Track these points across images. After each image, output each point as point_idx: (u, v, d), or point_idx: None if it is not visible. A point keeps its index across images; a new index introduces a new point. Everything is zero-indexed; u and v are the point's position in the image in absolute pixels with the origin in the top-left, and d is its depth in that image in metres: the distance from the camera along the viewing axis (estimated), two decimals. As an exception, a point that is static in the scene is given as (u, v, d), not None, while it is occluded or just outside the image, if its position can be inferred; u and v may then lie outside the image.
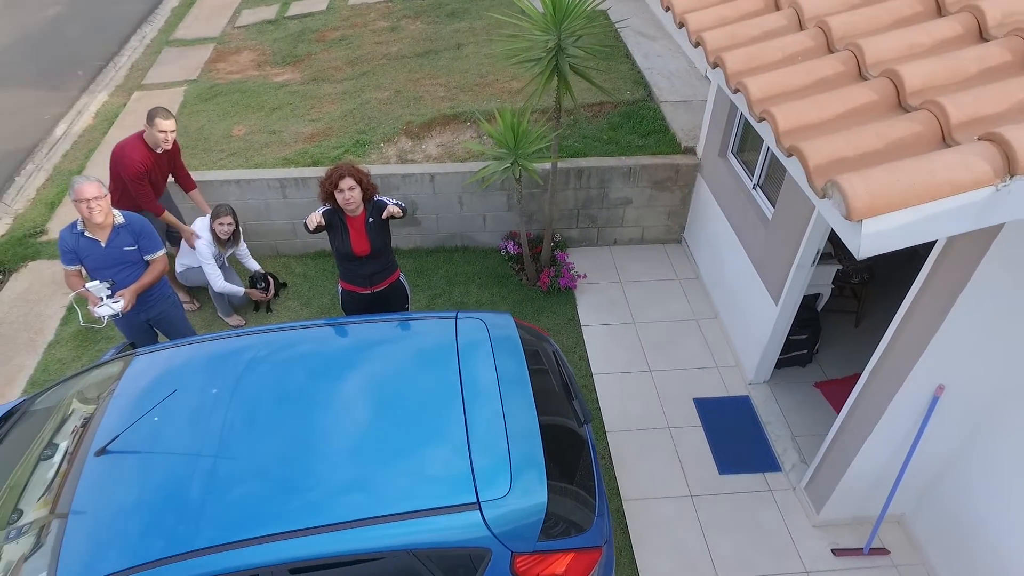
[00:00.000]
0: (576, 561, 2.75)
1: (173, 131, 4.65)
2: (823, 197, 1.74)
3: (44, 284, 5.73)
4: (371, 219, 3.84)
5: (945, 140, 1.82)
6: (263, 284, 5.23)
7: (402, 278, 4.22)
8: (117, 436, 2.79)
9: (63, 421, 3.14)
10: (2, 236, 6.29)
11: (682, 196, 5.74)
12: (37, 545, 2.63)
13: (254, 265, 5.35)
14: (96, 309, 3.77)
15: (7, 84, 8.68)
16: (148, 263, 4.03)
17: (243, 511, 2.58)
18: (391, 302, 4.17)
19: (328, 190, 3.73)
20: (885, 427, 3.30)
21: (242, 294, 5.11)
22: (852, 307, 5.14)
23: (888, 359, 3.16)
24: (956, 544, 3.48)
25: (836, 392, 4.54)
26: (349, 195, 3.68)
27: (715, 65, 2.52)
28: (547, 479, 2.72)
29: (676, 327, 5.23)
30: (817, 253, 3.91)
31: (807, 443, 4.30)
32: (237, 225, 5.10)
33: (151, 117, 4.58)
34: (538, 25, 4.30)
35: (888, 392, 3.18)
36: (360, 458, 2.75)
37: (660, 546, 3.82)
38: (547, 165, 5.16)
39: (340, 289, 4.13)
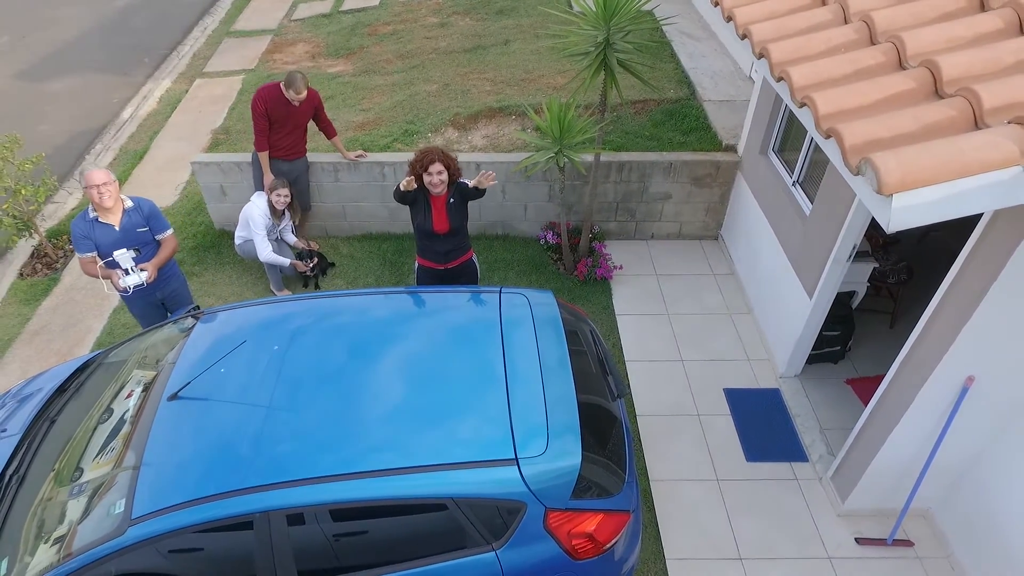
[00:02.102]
0: (605, 522, 2.90)
1: (302, 95, 5.06)
2: (857, 174, 1.86)
3: (111, 254, 6.11)
4: (452, 200, 4.07)
5: (977, 124, 1.93)
6: (309, 259, 5.50)
7: (474, 258, 4.44)
8: (187, 384, 3.04)
9: (140, 369, 3.42)
10: (73, 210, 6.71)
11: (721, 193, 5.83)
12: (117, 476, 2.90)
13: (292, 239, 5.62)
14: (123, 280, 4.02)
15: (81, 69, 9.20)
16: (160, 242, 4.29)
17: (302, 455, 2.80)
18: (462, 279, 4.39)
19: (417, 172, 3.96)
20: (912, 418, 3.37)
21: (288, 264, 5.39)
22: (888, 307, 5.17)
23: (918, 349, 3.23)
24: (984, 540, 3.52)
25: (867, 389, 4.58)
26: (438, 179, 3.93)
27: (761, 55, 2.65)
28: (581, 444, 2.88)
29: (709, 320, 5.33)
30: (853, 248, 3.99)
31: (835, 436, 4.36)
32: (293, 199, 5.38)
33: (287, 84, 5.02)
34: (588, 20, 4.46)
35: (916, 382, 3.25)
36: (408, 415, 2.95)
37: (685, 525, 3.94)
38: (589, 157, 5.32)
39: (416, 265, 4.38)
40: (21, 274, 6.01)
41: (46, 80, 8.94)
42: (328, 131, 5.54)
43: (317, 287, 5.72)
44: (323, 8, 10.05)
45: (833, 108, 2.10)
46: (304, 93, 5.06)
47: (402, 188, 3.85)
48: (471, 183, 4.00)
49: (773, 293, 4.97)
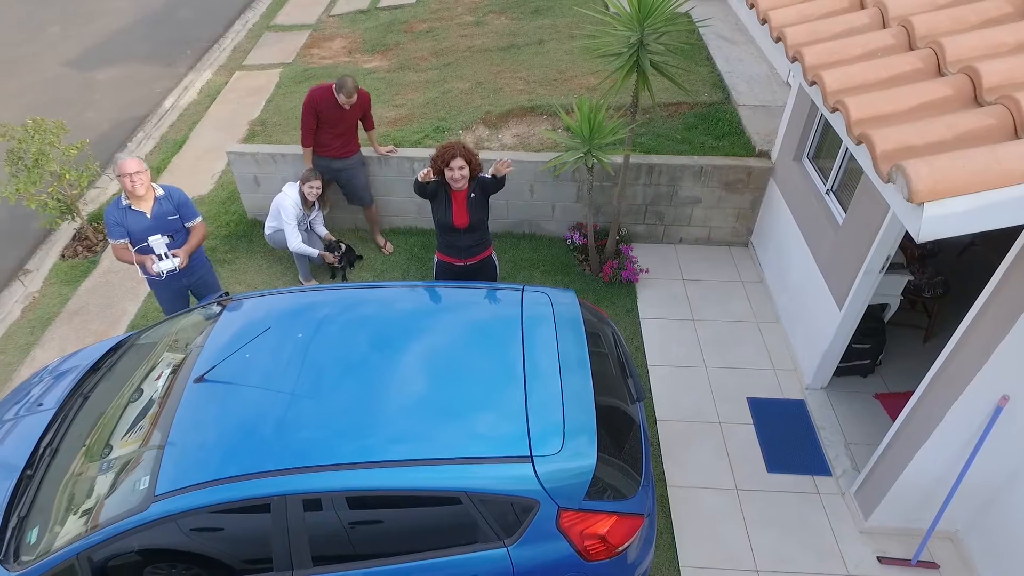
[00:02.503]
0: (618, 525, 2.88)
1: (350, 95, 5.09)
2: (887, 181, 1.82)
3: (147, 240, 6.28)
4: (473, 194, 4.09)
5: (1017, 134, 1.86)
6: (337, 251, 5.58)
7: (494, 255, 4.46)
8: (213, 367, 3.11)
9: (170, 351, 3.52)
10: (114, 195, 6.91)
11: (752, 199, 5.74)
12: (143, 453, 2.98)
13: (323, 231, 5.70)
14: (157, 265, 4.16)
15: (126, 59, 9.48)
16: (189, 230, 4.40)
17: (321, 442, 2.84)
18: (482, 276, 4.41)
19: (439, 167, 3.99)
20: (942, 436, 3.28)
21: (316, 255, 5.47)
22: (922, 322, 5.03)
23: (951, 364, 3.14)
24: (1014, 566, 3.40)
25: (897, 405, 4.45)
26: (459, 174, 3.96)
27: (794, 59, 2.61)
28: (597, 445, 2.87)
29: (735, 327, 5.25)
30: (887, 260, 3.89)
31: (861, 451, 4.26)
32: (324, 190, 5.46)
33: (338, 88, 5.05)
34: (622, 21, 4.44)
35: (947, 399, 3.16)
36: (426, 407, 2.98)
37: (701, 533, 3.90)
38: (619, 158, 5.28)
39: (436, 259, 4.41)
40: (63, 256, 6.22)
41: (94, 69, 9.24)
42: (367, 124, 5.60)
43: (345, 279, 5.80)
44: (361, 4, 10.18)
45: (866, 113, 2.06)
46: (354, 98, 5.11)
47: (420, 179, 3.88)
48: (489, 172, 4.00)
49: (802, 302, 4.88)
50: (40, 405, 3.71)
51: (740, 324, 5.29)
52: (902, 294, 4.61)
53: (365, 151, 5.81)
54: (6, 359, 5.32)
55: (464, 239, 4.18)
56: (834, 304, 4.29)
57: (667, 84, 5.64)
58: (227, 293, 4.38)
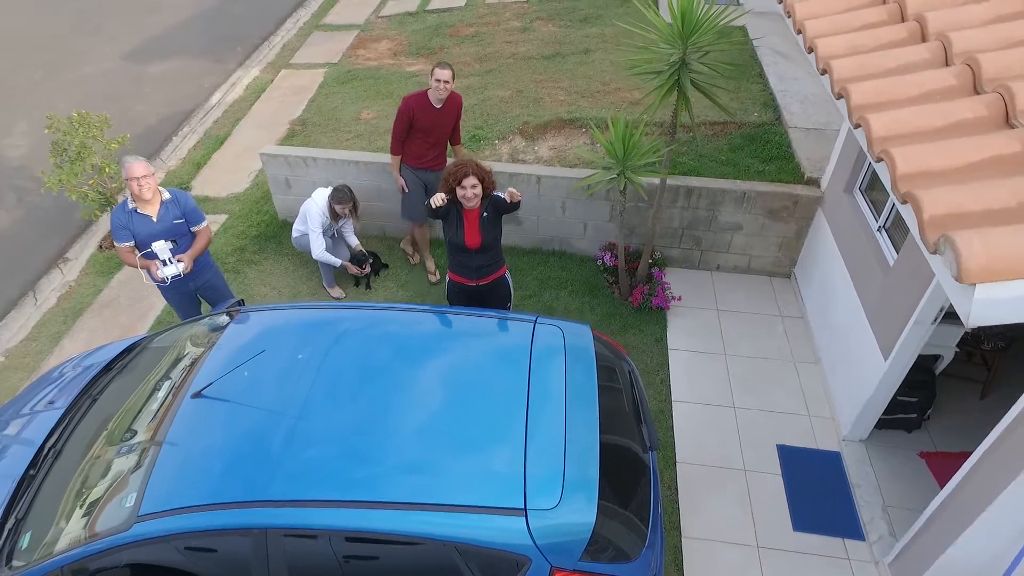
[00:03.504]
0: (617, 589, 2.67)
1: (447, 81, 4.74)
2: (934, 252, 1.56)
3: (181, 236, 6.35)
4: (486, 214, 3.93)
5: (1100, 207, 1.58)
6: (363, 263, 5.49)
7: (507, 275, 4.29)
8: (211, 384, 3.04)
9: (171, 362, 3.47)
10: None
11: (798, 229, 5.40)
12: (134, 468, 2.93)
13: (353, 240, 5.62)
14: (162, 270, 4.14)
15: (179, 54, 9.69)
16: (195, 234, 4.36)
17: (305, 474, 2.72)
18: (494, 297, 4.24)
19: (450, 185, 3.84)
20: (999, 511, 2.92)
21: (338, 265, 5.40)
22: (980, 376, 4.61)
23: (1012, 434, 2.80)
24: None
25: (944, 467, 4.09)
26: (471, 192, 3.80)
27: (840, 96, 2.34)
28: (599, 500, 2.66)
29: (770, 366, 4.93)
30: (940, 311, 3.54)
31: (900, 516, 3.91)
32: (355, 206, 5.37)
33: (432, 69, 4.79)
34: (663, 37, 4.19)
35: (1006, 473, 2.81)
36: (420, 444, 2.83)
37: (714, 592, 3.63)
38: (656, 180, 5.03)
39: (448, 279, 4.25)
40: (100, 247, 6.35)
41: (147, 62, 9.46)
42: (455, 137, 5.29)
43: (369, 287, 5.72)
44: (410, 6, 10.14)
45: (914, 168, 1.79)
46: (448, 72, 4.75)
47: (432, 207, 3.73)
48: (505, 195, 3.82)
49: (845, 345, 4.53)
50: (52, 403, 3.72)
51: (775, 362, 4.96)
52: (957, 345, 4.22)
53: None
54: (38, 347, 5.43)
55: (476, 259, 4.02)
56: (879, 353, 3.94)
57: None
58: (242, 301, 4.34)
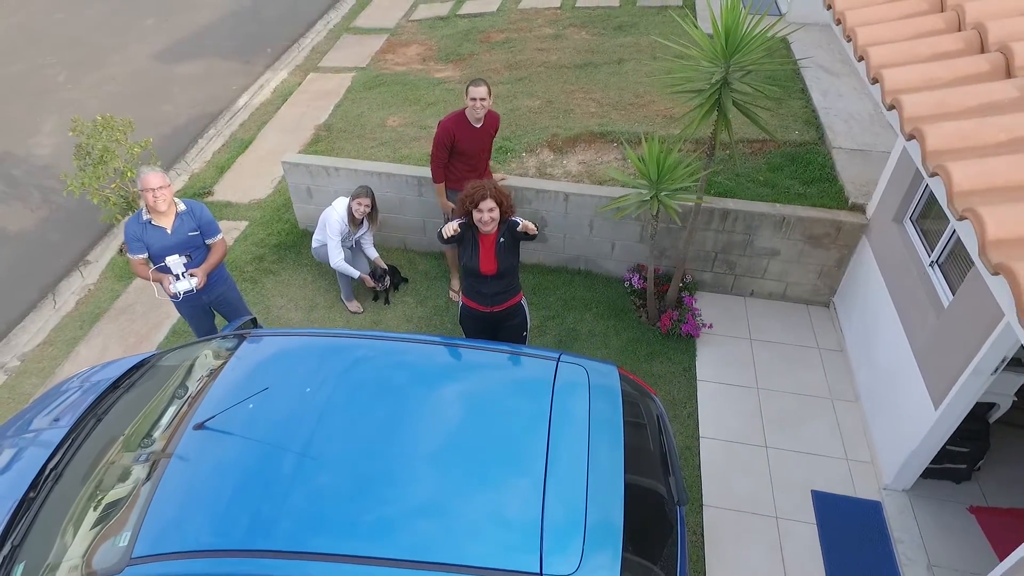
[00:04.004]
0: (638, 663, 2.44)
1: (483, 99, 4.52)
2: (995, 274, 1.33)
3: (201, 241, 6.26)
4: (503, 239, 3.73)
5: None
6: (382, 278, 5.33)
7: (523, 302, 4.07)
8: (213, 416, 2.88)
9: (176, 387, 3.33)
10: (178, 192, 6.97)
11: (839, 257, 5.10)
12: (131, 502, 2.78)
13: (373, 252, 5.47)
14: (174, 285, 4.02)
15: (209, 55, 9.67)
16: (210, 247, 4.24)
17: (309, 521, 2.55)
18: (508, 325, 4.04)
19: (467, 207, 3.66)
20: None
21: (356, 276, 5.24)
22: (1035, 424, 4.28)
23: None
24: None
25: (998, 525, 3.78)
26: (488, 216, 3.60)
27: (891, 107, 2.11)
28: (623, 561, 2.44)
29: (806, 402, 4.65)
30: (1003, 361, 3.25)
31: (946, 577, 3.62)
32: (374, 208, 5.22)
33: (467, 87, 4.61)
34: (705, 54, 3.95)
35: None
36: (432, 490, 2.64)
37: (742, 653, 3.38)
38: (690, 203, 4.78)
39: (460, 302, 4.07)
40: (120, 250, 6.30)
41: (177, 62, 9.46)
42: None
43: (387, 302, 5.56)
44: (442, 10, 10.00)
45: (974, 183, 1.56)
46: (483, 88, 4.51)
47: (445, 236, 3.53)
48: (520, 226, 3.59)
49: (889, 385, 4.23)
50: (57, 420, 3.61)
51: (812, 399, 4.68)
52: (1016, 394, 3.90)
53: (416, 170, 5.54)
54: (53, 351, 5.38)
55: (490, 286, 3.82)
56: (929, 401, 3.65)
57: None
58: (255, 319, 4.20)
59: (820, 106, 6.25)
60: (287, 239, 6.14)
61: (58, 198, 7.01)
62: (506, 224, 3.71)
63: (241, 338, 3.47)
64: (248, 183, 6.98)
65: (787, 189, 5.38)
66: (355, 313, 5.48)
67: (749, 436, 4.44)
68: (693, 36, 4.03)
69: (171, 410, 3.14)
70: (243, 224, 6.40)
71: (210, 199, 6.79)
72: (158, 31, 10.33)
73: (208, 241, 4.25)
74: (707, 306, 5.37)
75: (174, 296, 4.14)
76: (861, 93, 6.50)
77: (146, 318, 5.56)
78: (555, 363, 3.08)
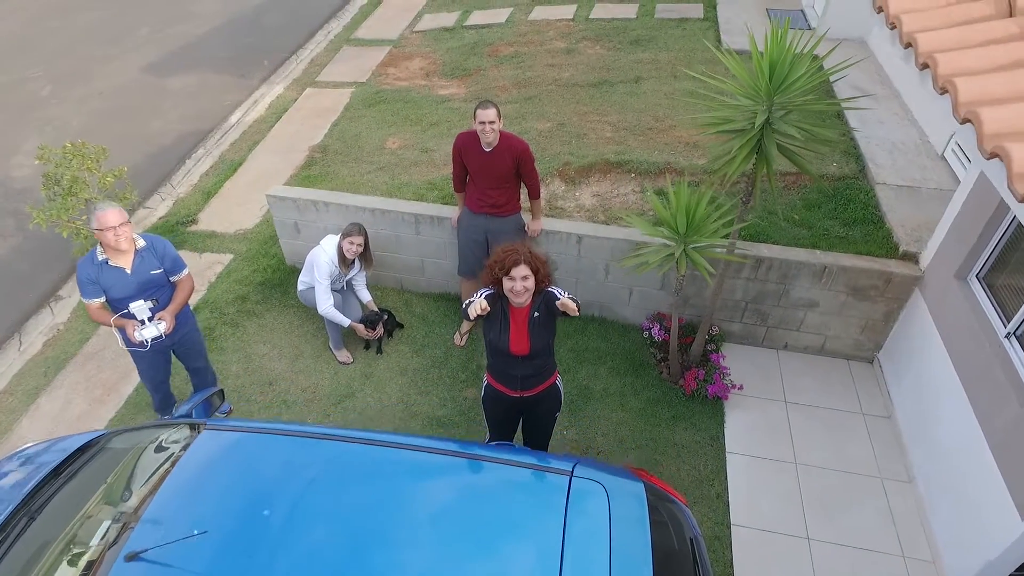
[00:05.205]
0: None
1: (492, 122, 4.07)
2: None
3: (181, 277, 5.75)
4: (537, 313, 3.13)
5: None
6: (375, 325, 4.81)
7: (559, 381, 3.49)
8: (149, 549, 2.35)
9: (114, 493, 2.80)
10: (160, 219, 6.48)
11: (887, 311, 4.52)
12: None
13: (366, 296, 4.96)
14: (140, 332, 3.59)
15: (203, 67, 9.19)
16: (175, 284, 3.83)
17: None
18: (540, 408, 3.48)
19: (496, 275, 3.07)
20: None
21: (346, 325, 4.73)
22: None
23: None
24: None
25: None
26: (521, 286, 3.00)
27: (966, 120, 1.66)
28: None
29: (851, 482, 4.08)
30: (1111, 474, 2.67)
31: None
32: (367, 248, 4.71)
33: (475, 110, 4.14)
34: (745, 91, 3.39)
35: None
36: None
37: None
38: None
39: (485, 382, 3.47)
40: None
41: (169, 76, 8.99)
42: (531, 190, 4.55)
43: (380, 351, 5.03)
44: (448, 21, 9.48)
45: None
46: (491, 111, 4.05)
47: (471, 316, 2.90)
48: (558, 303, 2.94)
49: (954, 474, 3.66)
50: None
51: (858, 478, 4.11)
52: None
53: (415, 207, 5.02)
54: (13, 403, 4.88)
55: (521, 368, 3.23)
56: (1013, 508, 3.07)
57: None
58: (222, 391, 3.69)
59: (858, 133, 5.67)
60: (273, 276, 5.62)
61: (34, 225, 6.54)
62: (542, 296, 3.12)
63: (196, 428, 2.94)
64: (235, 211, 6.48)
65: (826, 231, 4.81)
66: (344, 364, 4.96)
67: (788, 524, 3.87)
68: (730, 66, 3.46)
69: (104, 525, 2.61)
70: (227, 258, 5.90)
71: (194, 228, 6.30)
72: (151, 41, 9.87)
73: (173, 278, 3.80)
74: (736, 360, 4.80)
75: (140, 345, 3.68)
76: (902, 119, 5.91)
77: (115, 365, 5.06)
78: (568, 479, 2.53)
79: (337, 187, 5.96)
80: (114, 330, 3.77)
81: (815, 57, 3.36)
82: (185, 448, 2.81)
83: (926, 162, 5.32)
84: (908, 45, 2.90)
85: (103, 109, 8.26)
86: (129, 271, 3.62)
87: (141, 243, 3.67)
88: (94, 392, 4.89)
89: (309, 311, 5.27)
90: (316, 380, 4.85)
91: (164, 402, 4.42)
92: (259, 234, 6.10)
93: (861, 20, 6.93)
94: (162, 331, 3.67)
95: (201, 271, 5.78)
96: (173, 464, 2.73)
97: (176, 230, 6.23)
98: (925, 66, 2.64)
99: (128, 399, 4.78)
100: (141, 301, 3.65)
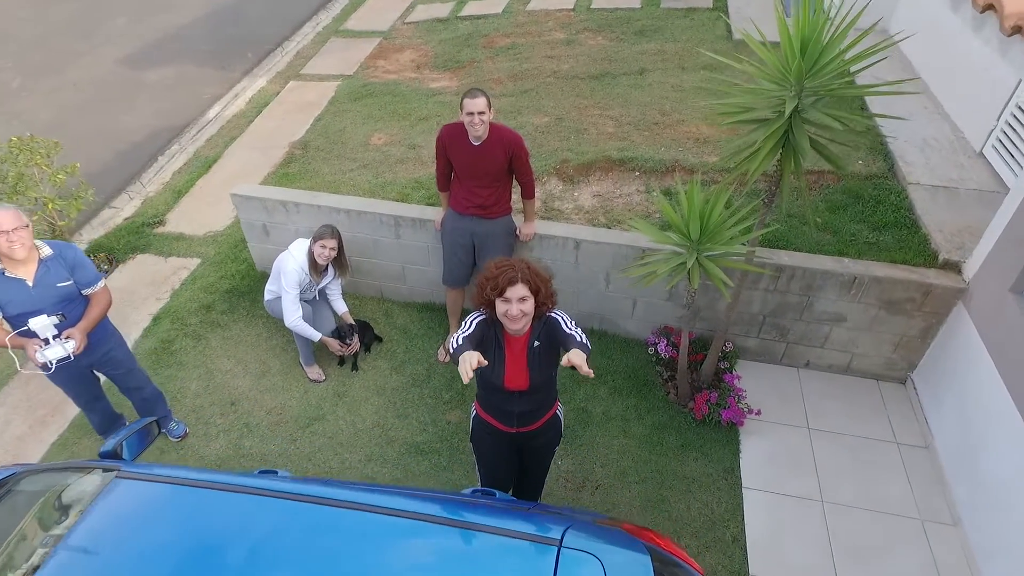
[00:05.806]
0: None
1: (481, 112, 3.60)
2: None
3: (144, 283, 5.27)
4: (537, 343, 2.61)
5: None
6: (349, 339, 4.31)
7: (559, 410, 2.98)
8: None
9: (23, 540, 2.31)
10: (126, 219, 5.99)
11: (924, 326, 4.01)
12: None
13: (341, 307, 4.47)
14: (42, 352, 3.11)
15: (182, 59, 8.70)
16: (89, 298, 3.35)
17: None
18: (538, 440, 2.96)
19: (488, 297, 2.54)
20: None
21: (317, 339, 4.23)
22: None
23: None
24: None
25: None
26: (517, 310, 2.47)
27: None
28: None
29: (888, 525, 3.57)
30: None
31: None
32: (341, 253, 4.22)
33: (461, 100, 3.67)
34: (770, 74, 2.88)
35: None
36: None
37: None
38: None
39: (474, 414, 2.95)
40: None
41: (145, 68, 8.50)
42: (525, 188, 4.08)
43: (355, 368, 4.53)
44: (441, 11, 8.98)
45: None
46: (480, 100, 3.59)
47: (464, 381, 2.17)
48: (564, 358, 2.33)
49: (1011, 519, 3.15)
50: None
51: (895, 519, 3.59)
52: None
53: (395, 207, 4.52)
54: (-52, 425, 4.39)
55: (518, 404, 2.72)
56: (1092, 572, 2.56)
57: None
58: (157, 421, 3.19)
59: (885, 129, 5.15)
60: (241, 283, 5.13)
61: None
62: (543, 322, 2.62)
63: (110, 472, 2.44)
64: (206, 211, 5.99)
65: (853, 236, 4.30)
66: (315, 382, 4.46)
67: (816, 573, 3.35)
68: (752, 45, 2.96)
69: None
70: (194, 263, 5.40)
71: (161, 229, 5.81)
72: (129, 33, 9.39)
73: (86, 291, 3.32)
74: (752, 379, 4.30)
75: (43, 367, 3.20)
76: (932, 112, 5.40)
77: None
78: (556, 550, 2.01)
79: (316, 186, 5.49)
80: (11, 351, 3.27)
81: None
82: (95, 496, 2.31)
83: (963, 160, 4.80)
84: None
85: (75, 102, 7.78)
86: (31, 283, 3.14)
87: (46, 251, 3.19)
88: (36, 413, 4.39)
89: (279, 322, 4.77)
90: (283, 400, 4.35)
91: (105, 422, 3.95)
92: (229, 236, 5.61)
93: (882, 5, 6.40)
94: (70, 351, 3.16)
95: (166, 277, 5.29)
96: (76, 519, 2.23)
97: (142, 232, 5.74)
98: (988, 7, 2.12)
99: (73, 421, 4.29)
100: (44, 316, 3.15)
